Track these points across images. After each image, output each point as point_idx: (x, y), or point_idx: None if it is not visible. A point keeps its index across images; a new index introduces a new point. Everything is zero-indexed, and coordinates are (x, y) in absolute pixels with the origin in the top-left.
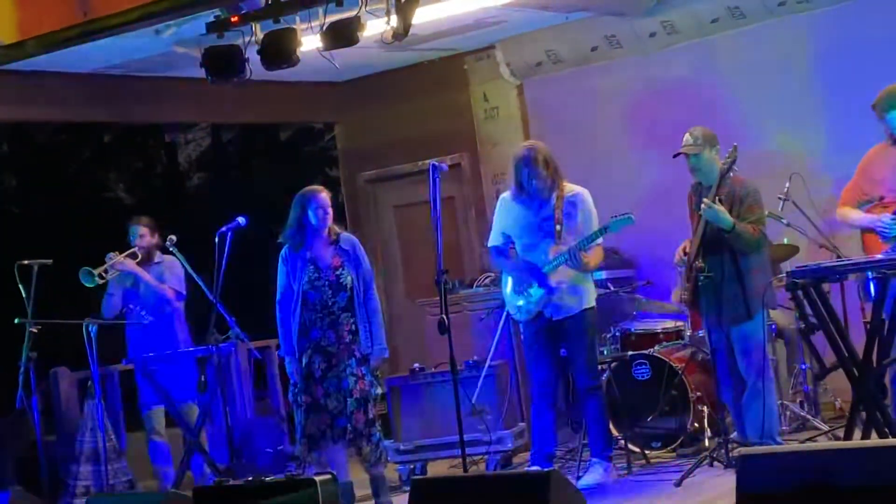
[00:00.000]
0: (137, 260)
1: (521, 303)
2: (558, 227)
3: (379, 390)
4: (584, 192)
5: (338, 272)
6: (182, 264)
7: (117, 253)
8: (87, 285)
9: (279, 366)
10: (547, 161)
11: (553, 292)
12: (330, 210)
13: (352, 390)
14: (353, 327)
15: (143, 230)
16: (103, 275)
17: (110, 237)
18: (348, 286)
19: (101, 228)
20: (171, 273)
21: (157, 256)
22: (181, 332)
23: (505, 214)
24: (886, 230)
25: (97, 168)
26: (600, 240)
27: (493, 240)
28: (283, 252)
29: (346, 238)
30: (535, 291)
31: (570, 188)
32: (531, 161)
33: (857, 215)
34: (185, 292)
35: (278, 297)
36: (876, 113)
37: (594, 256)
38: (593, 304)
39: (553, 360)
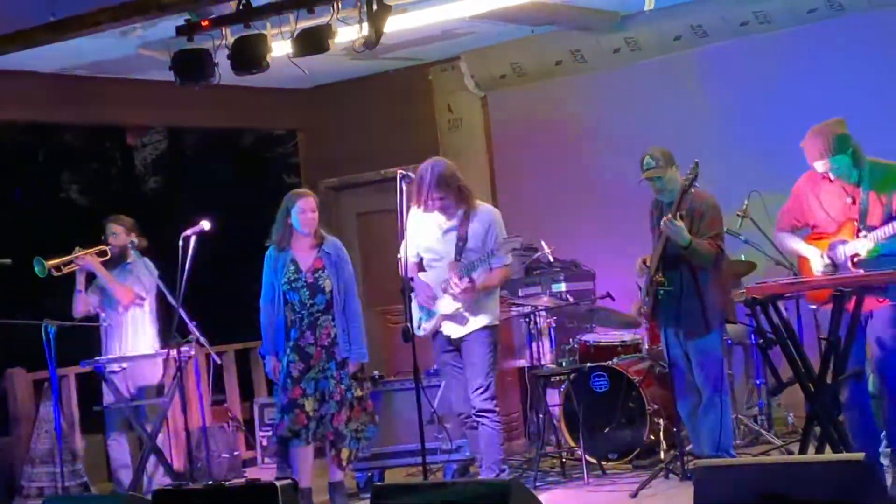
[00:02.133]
0: (106, 258)
1: (422, 319)
2: (461, 244)
3: (358, 392)
4: (494, 212)
5: (316, 274)
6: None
7: (80, 249)
8: (39, 275)
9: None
10: (448, 180)
11: (454, 310)
12: (314, 213)
13: (332, 393)
14: (333, 331)
15: (118, 228)
16: (60, 268)
17: (67, 239)
18: (326, 289)
19: (57, 230)
20: (135, 276)
21: (131, 257)
22: (133, 336)
23: (412, 228)
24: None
25: (52, 169)
26: (507, 260)
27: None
28: (268, 252)
29: (331, 242)
30: (436, 308)
31: (480, 206)
32: (430, 179)
33: (793, 244)
34: (145, 296)
35: (262, 295)
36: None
37: (490, 280)
38: (495, 322)
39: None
